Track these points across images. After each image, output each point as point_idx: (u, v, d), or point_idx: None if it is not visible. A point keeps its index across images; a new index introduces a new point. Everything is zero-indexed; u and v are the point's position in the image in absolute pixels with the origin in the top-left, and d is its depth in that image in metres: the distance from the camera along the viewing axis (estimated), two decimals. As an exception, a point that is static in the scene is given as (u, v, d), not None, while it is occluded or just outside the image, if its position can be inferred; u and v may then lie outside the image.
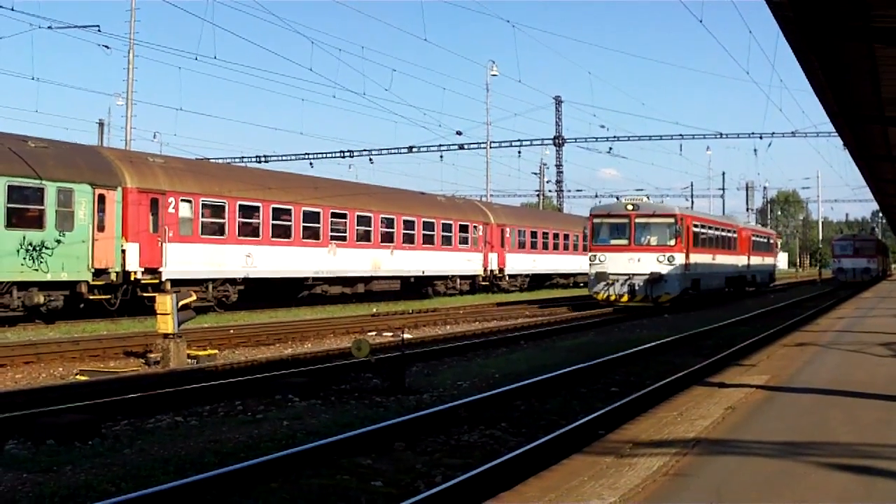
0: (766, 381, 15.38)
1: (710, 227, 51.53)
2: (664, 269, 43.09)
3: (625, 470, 8.96)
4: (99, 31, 47.41)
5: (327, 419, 14.60)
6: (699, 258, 47.46)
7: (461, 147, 73.64)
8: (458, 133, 68.17)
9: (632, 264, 43.26)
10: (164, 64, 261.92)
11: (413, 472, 11.41)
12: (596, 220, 45.62)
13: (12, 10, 38.00)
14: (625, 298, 43.23)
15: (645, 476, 8.63)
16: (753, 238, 66.07)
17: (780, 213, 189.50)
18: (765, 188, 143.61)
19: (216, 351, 23.88)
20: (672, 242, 43.82)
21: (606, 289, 43.47)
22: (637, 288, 43.03)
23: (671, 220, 44.48)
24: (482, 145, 73.74)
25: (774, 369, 17.26)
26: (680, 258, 43.84)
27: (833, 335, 24.26)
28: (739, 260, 59.94)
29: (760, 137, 75.58)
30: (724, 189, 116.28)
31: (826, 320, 31.61)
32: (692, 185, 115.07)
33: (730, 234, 56.69)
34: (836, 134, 37.24)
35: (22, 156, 30.20)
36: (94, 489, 10.17)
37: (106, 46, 53.01)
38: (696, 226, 47.54)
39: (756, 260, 66.26)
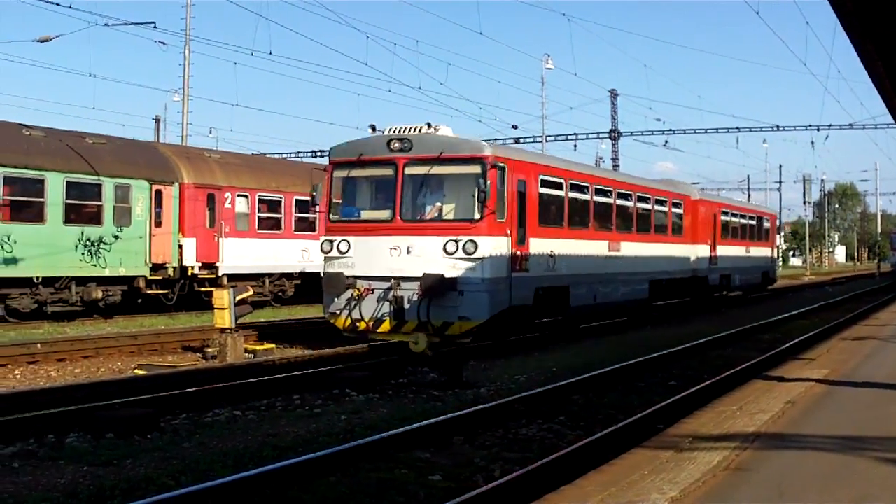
0: (825, 375, 15.25)
1: (595, 190, 28.76)
2: (458, 268, 21.61)
3: (685, 464, 8.91)
4: (155, 27, 47.53)
5: (385, 413, 14.62)
6: (562, 247, 25.85)
7: (517, 141, 73.15)
8: (514, 127, 67.57)
9: (397, 259, 22.10)
10: (220, 60, 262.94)
11: (471, 466, 11.40)
12: (338, 172, 23.65)
13: (70, 7, 38.28)
14: (385, 326, 22.08)
15: (705, 470, 8.58)
16: (724, 217, 43.03)
17: (837, 205, 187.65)
18: (822, 181, 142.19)
19: (273, 345, 24.01)
20: (477, 215, 21.76)
21: (350, 308, 22.30)
22: (407, 307, 21.77)
23: (475, 167, 22.12)
24: (538, 139, 73.43)
25: (834, 363, 17.11)
26: (495, 245, 22.04)
27: (893, 329, 24.01)
28: (690, 251, 37.50)
29: (818, 129, 74.39)
30: (780, 182, 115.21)
31: (886, 314, 31.31)
32: (749, 179, 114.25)
33: (658, 208, 34.35)
34: (896, 125, 36.53)
35: (80, 152, 30.48)
36: (154, 482, 10.24)
37: (162, 43, 53.29)
38: (546, 184, 25.38)
39: (730, 251, 43.25)
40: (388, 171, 22.73)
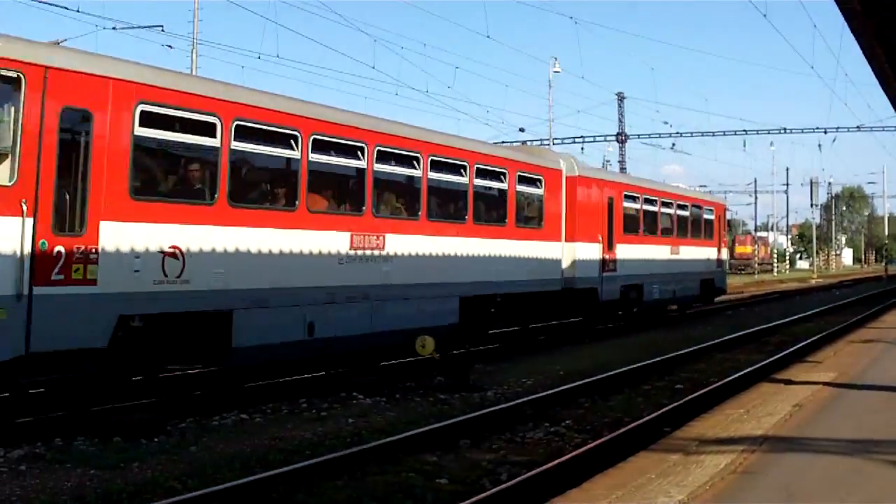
0: (833, 378, 15.22)
1: (315, 143, 16.67)
2: None
3: (692, 467, 8.89)
4: (162, 31, 47.48)
5: (392, 417, 14.61)
6: (209, 239, 14.46)
7: (524, 144, 73.33)
8: (521, 130, 68.07)
9: None
10: (228, 63, 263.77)
11: (479, 469, 11.39)
12: None
13: (78, 11, 38.47)
14: None
15: (713, 473, 8.55)
16: (629, 203, 30.67)
17: (844, 208, 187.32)
18: (829, 183, 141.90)
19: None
20: None
21: None
22: None
23: None
24: (545, 142, 73.36)
25: (841, 366, 17.08)
26: None
27: (901, 332, 23.96)
28: (560, 252, 25.55)
29: (825, 132, 74.53)
30: (787, 185, 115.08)
31: (893, 317, 31.25)
32: (756, 182, 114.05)
33: (488, 184, 22.57)
34: (904, 128, 36.47)
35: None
36: (161, 486, 10.24)
37: (169, 46, 53.38)
38: (159, 122, 13.69)
39: (642, 252, 31.02)
40: None
